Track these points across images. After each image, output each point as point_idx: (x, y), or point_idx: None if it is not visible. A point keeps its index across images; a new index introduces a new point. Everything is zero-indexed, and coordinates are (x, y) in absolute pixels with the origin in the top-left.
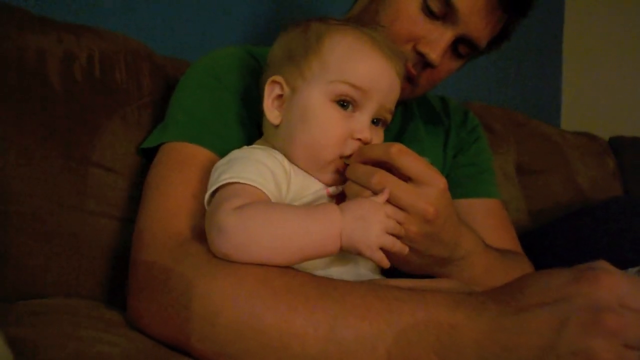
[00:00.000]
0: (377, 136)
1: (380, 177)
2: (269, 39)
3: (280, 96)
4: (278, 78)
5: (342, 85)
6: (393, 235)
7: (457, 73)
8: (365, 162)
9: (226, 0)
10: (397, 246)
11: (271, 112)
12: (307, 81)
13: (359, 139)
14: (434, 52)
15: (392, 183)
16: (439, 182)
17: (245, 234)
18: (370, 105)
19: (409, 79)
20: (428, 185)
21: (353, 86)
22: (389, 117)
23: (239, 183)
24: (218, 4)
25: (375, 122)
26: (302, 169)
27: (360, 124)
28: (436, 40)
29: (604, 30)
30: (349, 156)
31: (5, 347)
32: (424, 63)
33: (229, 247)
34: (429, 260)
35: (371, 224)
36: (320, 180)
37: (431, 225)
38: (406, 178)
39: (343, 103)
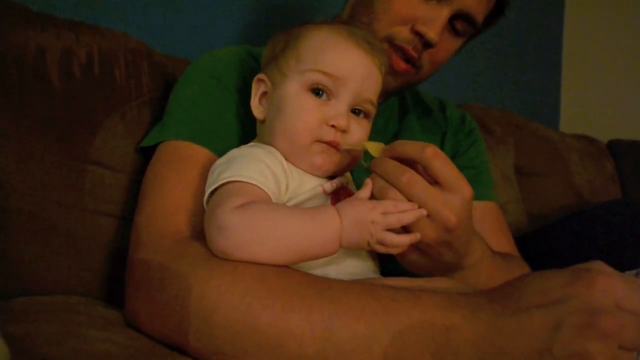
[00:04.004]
0: (358, 125)
1: (409, 177)
2: (269, 38)
3: (265, 93)
4: (262, 76)
5: (314, 73)
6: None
7: (457, 75)
8: (393, 158)
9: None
10: (397, 241)
11: (256, 108)
12: (284, 75)
13: (334, 126)
14: (432, 31)
15: (421, 186)
16: (466, 191)
17: (246, 233)
18: (345, 94)
19: (411, 63)
20: (454, 193)
21: (325, 74)
22: (370, 108)
23: (239, 182)
24: (218, 3)
25: (356, 112)
26: (288, 160)
27: (335, 111)
28: (433, 19)
29: (604, 33)
30: (329, 142)
31: (3, 344)
32: (424, 43)
33: (228, 245)
34: (437, 265)
35: (366, 225)
36: (305, 169)
37: (449, 233)
38: (433, 181)
39: (318, 92)
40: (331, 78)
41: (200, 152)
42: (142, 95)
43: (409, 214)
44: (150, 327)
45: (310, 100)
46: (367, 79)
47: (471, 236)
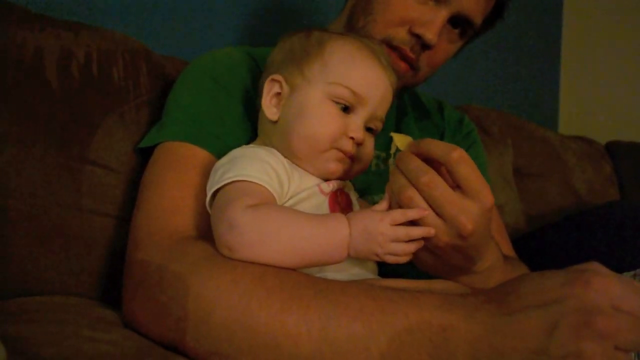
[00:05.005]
0: (369, 141)
1: (430, 179)
2: (267, 39)
3: (278, 94)
4: (277, 77)
5: (342, 88)
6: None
7: (456, 76)
8: (418, 155)
9: (225, 0)
10: (406, 250)
11: (269, 108)
12: (307, 80)
13: (352, 138)
14: (430, 32)
15: (441, 189)
16: (487, 200)
17: (256, 233)
18: (363, 111)
19: (409, 64)
20: (474, 201)
21: (352, 91)
22: (379, 125)
23: (245, 181)
24: (217, 3)
25: (367, 128)
26: (296, 163)
27: (354, 124)
28: (431, 21)
29: (603, 35)
30: (345, 152)
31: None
32: (422, 45)
33: (236, 243)
34: (447, 268)
35: (374, 236)
36: (313, 173)
37: (463, 240)
38: (455, 185)
39: (339, 104)
40: (356, 96)
41: (199, 153)
42: (140, 96)
43: (417, 229)
44: (148, 328)
45: (334, 110)
46: (383, 99)
47: (487, 243)
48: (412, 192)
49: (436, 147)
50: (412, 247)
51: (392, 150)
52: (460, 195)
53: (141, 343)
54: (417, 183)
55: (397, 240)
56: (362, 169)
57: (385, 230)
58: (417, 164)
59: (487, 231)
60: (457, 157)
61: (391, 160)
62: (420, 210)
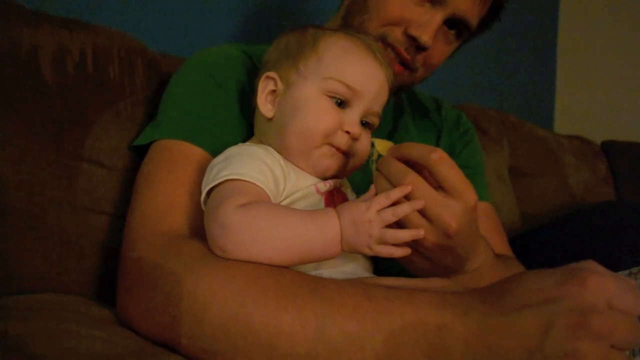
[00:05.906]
0: (365, 136)
1: (412, 180)
2: (263, 36)
3: (273, 91)
4: (272, 74)
5: (336, 83)
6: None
7: (453, 75)
8: (400, 158)
9: None
10: (398, 236)
11: (264, 105)
12: (301, 75)
13: (348, 132)
14: (426, 35)
15: (423, 190)
16: (470, 198)
17: (249, 232)
18: (359, 106)
19: (404, 65)
20: (458, 200)
21: (347, 86)
22: (376, 121)
23: (239, 180)
24: (214, 1)
25: (363, 124)
26: (291, 160)
27: (350, 118)
28: (427, 23)
29: (599, 34)
30: (339, 147)
31: None
32: (417, 47)
33: (229, 244)
34: (438, 269)
35: (362, 225)
36: (308, 170)
37: (449, 239)
38: (437, 185)
39: (334, 99)
40: (351, 90)
41: (194, 151)
42: (136, 93)
43: (404, 206)
44: (142, 326)
45: (329, 104)
46: (379, 94)
47: (475, 241)
48: (395, 196)
49: (415, 149)
50: (403, 235)
51: (374, 157)
52: (443, 195)
53: (136, 341)
54: (400, 185)
55: (386, 225)
56: (358, 165)
57: (371, 217)
58: (398, 167)
59: (474, 230)
60: (437, 157)
61: (374, 166)
62: (405, 186)
